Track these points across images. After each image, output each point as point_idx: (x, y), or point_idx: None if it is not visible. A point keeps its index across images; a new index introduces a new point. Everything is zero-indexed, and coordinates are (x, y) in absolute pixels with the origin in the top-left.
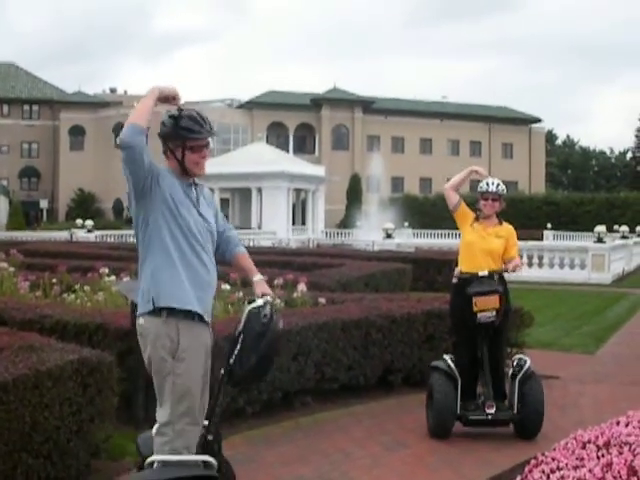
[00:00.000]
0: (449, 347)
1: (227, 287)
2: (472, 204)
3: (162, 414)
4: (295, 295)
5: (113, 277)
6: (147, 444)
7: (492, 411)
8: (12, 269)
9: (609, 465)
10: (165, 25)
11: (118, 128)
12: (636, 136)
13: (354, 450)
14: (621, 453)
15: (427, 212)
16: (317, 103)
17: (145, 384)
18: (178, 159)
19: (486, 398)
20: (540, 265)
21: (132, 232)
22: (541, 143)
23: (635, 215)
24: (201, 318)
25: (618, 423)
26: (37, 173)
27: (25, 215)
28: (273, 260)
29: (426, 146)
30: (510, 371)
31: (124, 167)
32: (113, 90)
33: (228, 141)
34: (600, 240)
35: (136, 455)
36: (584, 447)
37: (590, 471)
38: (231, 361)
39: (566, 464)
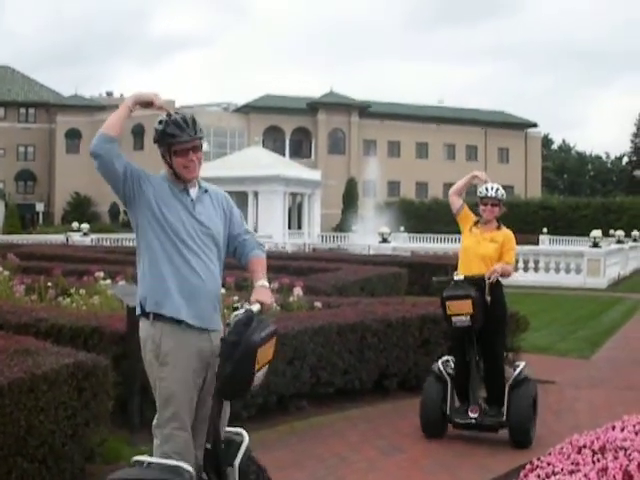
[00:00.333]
0: (444, 351)
1: (222, 291)
2: (474, 209)
3: (155, 417)
4: (291, 299)
5: (109, 281)
6: None
7: (476, 415)
8: (7, 272)
9: (604, 470)
10: (162, 29)
11: None
12: (632, 141)
13: (350, 454)
14: (616, 458)
15: (423, 216)
16: (313, 107)
17: (140, 388)
18: (169, 163)
19: (471, 402)
20: (536, 270)
21: (128, 236)
22: (537, 148)
23: (631, 220)
24: (190, 324)
25: (614, 428)
26: (33, 176)
27: (21, 218)
28: (269, 264)
29: (422, 150)
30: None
31: (101, 175)
32: (110, 93)
33: (224, 145)
34: (596, 245)
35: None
36: (579, 452)
37: (585, 476)
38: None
39: (561, 469)
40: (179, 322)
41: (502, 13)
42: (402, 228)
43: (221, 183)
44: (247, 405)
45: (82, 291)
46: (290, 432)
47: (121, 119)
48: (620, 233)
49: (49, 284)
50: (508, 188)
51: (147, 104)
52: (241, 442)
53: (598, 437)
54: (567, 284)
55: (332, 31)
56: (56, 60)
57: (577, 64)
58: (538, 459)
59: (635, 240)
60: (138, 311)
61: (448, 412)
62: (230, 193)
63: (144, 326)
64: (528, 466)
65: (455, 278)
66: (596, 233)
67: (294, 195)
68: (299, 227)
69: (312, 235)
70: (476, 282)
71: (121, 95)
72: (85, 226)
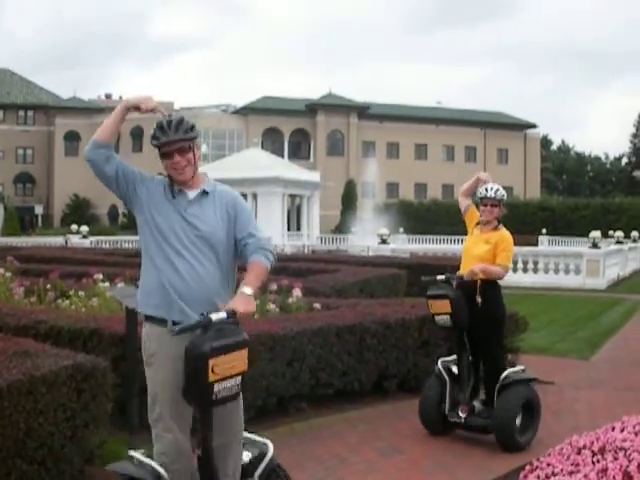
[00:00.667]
0: (444, 352)
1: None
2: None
3: None
4: (290, 300)
5: (107, 283)
6: None
7: (464, 415)
8: (8, 274)
9: (604, 471)
10: (161, 31)
11: None
12: (631, 141)
13: (349, 456)
14: (616, 459)
15: (422, 218)
16: (312, 109)
17: (140, 389)
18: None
19: (461, 402)
20: (535, 270)
21: (127, 238)
22: (536, 149)
23: (630, 220)
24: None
25: (613, 429)
26: (32, 179)
27: (20, 221)
28: None
29: (421, 152)
30: None
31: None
32: (108, 96)
33: (223, 147)
34: (595, 245)
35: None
36: (579, 452)
37: (585, 476)
38: None
39: (561, 469)
40: (164, 324)
41: (501, 14)
42: (401, 229)
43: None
44: (246, 407)
45: (81, 293)
46: (289, 433)
47: (113, 124)
48: (619, 234)
49: (48, 286)
50: (507, 189)
51: (136, 108)
52: (265, 453)
53: (598, 438)
54: (566, 285)
55: (331, 32)
56: (55, 62)
57: (576, 65)
58: (538, 460)
59: (634, 241)
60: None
61: (446, 411)
62: None
63: (144, 327)
64: (528, 467)
65: (437, 277)
66: (595, 234)
67: (293, 197)
68: (298, 229)
69: (311, 237)
70: (467, 283)
71: (120, 97)
72: (84, 228)
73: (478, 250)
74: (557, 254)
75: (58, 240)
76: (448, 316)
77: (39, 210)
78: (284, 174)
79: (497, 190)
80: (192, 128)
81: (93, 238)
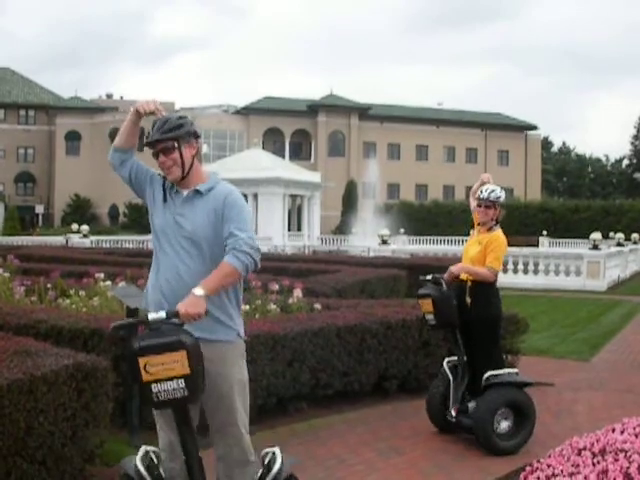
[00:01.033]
0: (445, 353)
1: None
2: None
3: None
4: (291, 301)
5: (108, 282)
6: None
7: (453, 414)
8: (7, 274)
9: (605, 472)
10: (162, 31)
11: (114, 133)
12: (632, 143)
13: (349, 456)
14: (617, 460)
15: (423, 218)
16: (313, 109)
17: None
18: None
19: (452, 402)
20: (535, 272)
21: (127, 237)
22: (537, 150)
23: (630, 222)
24: None
25: (613, 430)
26: (33, 178)
27: (21, 220)
28: (268, 266)
29: (422, 153)
30: None
31: None
32: (109, 95)
33: (224, 147)
34: (595, 247)
35: None
36: (579, 454)
37: (585, 478)
38: None
39: (561, 471)
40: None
41: (503, 16)
42: (402, 230)
43: None
44: None
45: (82, 292)
46: (289, 434)
47: (124, 129)
48: (620, 236)
49: (49, 286)
50: (508, 190)
51: (138, 113)
52: (273, 463)
53: (598, 439)
54: (567, 286)
55: (332, 33)
56: (56, 62)
57: (577, 67)
58: (538, 461)
59: (635, 243)
60: None
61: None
62: None
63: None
64: (528, 468)
65: (425, 277)
66: (596, 236)
67: (294, 197)
68: (299, 229)
69: (312, 237)
70: (458, 283)
71: (121, 97)
72: (85, 228)
73: (472, 251)
74: (557, 256)
75: (58, 239)
76: (433, 315)
77: (40, 209)
78: (285, 175)
79: (491, 191)
80: (175, 128)
81: (93, 238)
